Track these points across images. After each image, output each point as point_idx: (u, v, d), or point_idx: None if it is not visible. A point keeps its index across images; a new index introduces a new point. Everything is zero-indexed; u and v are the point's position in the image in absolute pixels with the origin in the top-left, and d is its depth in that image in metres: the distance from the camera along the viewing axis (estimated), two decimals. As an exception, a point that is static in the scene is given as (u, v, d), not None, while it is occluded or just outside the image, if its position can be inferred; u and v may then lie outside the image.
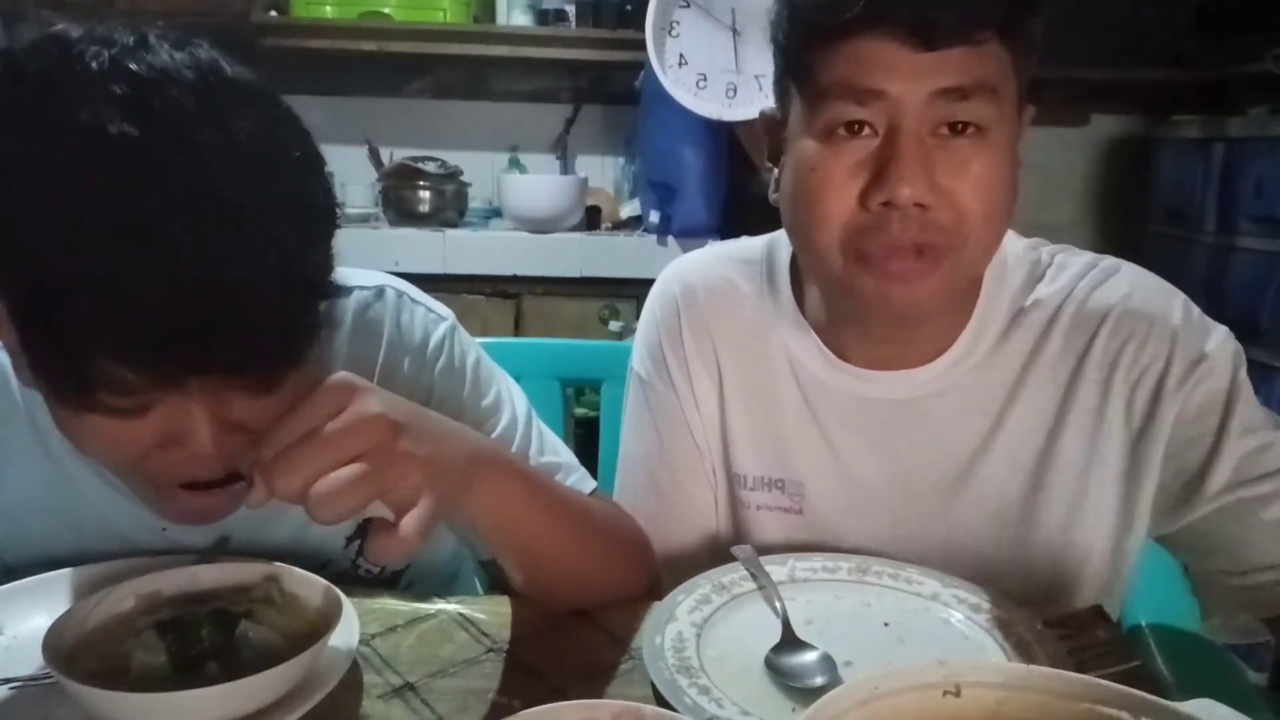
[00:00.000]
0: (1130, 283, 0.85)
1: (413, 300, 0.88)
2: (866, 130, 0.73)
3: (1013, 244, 0.88)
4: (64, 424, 0.64)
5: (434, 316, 0.88)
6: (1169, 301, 0.84)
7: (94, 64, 0.56)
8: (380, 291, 0.86)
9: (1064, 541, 0.86)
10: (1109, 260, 0.88)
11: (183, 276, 0.55)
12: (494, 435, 0.86)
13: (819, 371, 0.89)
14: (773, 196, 0.85)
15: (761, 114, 0.87)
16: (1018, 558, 0.86)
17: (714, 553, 0.89)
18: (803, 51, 0.75)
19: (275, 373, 0.62)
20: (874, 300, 0.78)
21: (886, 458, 0.88)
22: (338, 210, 0.66)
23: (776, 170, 0.84)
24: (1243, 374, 0.82)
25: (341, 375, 0.62)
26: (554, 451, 0.91)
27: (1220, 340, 0.82)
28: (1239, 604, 0.85)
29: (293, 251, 0.60)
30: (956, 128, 0.73)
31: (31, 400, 0.77)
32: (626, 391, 1.01)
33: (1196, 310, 0.84)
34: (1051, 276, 0.87)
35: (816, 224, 0.77)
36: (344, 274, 0.79)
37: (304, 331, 0.63)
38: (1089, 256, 0.89)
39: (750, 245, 0.98)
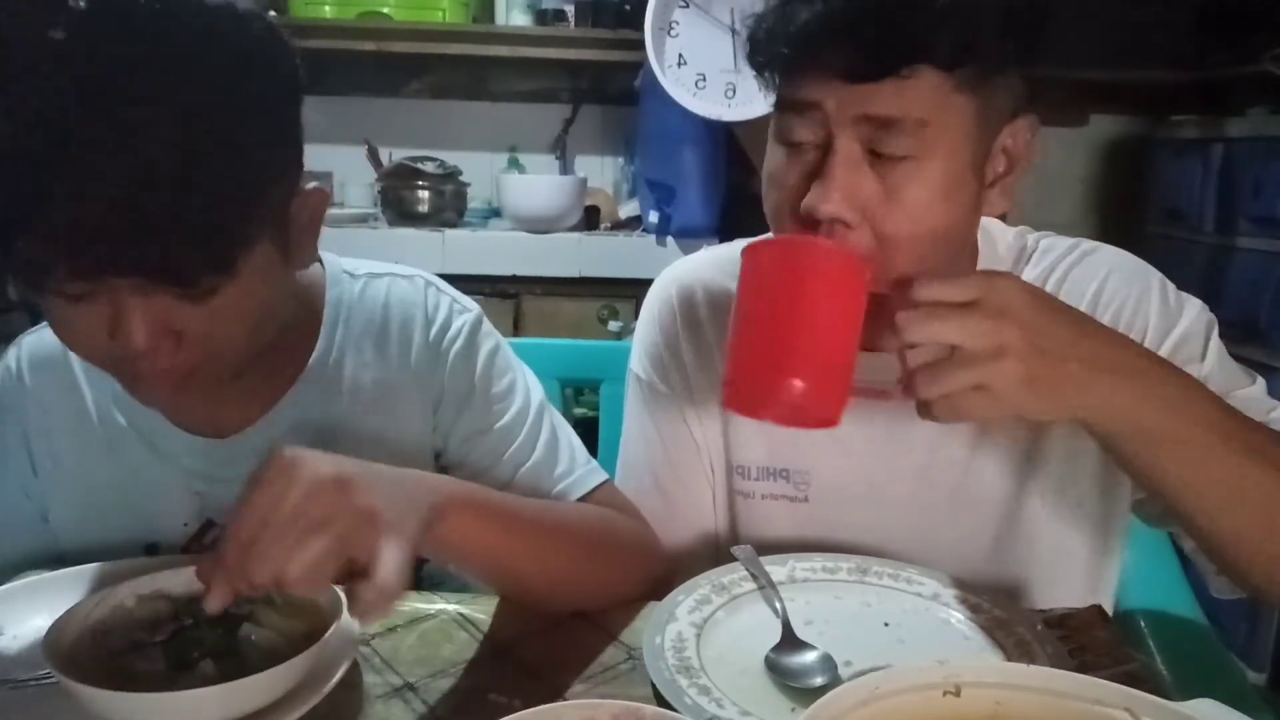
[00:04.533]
0: (1108, 263, 0.88)
1: (440, 290, 0.93)
2: (808, 145, 0.75)
3: (1002, 233, 0.92)
4: (48, 318, 0.71)
5: (460, 306, 0.93)
6: (1146, 280, 0.87)
7: None
8: (413, 280, 0.93)
9: (1051, 531, 0.88)
10: (1088, 243, 0.91)
11: (95, 184, 0.60)
12: (500, 425, 0.88)
13: None
14: None
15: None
16: (1017, 538, 0.89)
17: (717, 549, 0.91)
18: (763, 68, 0.79)
19: (191, 280, 0.65)
20: None
21: (890, 439, 0.89)
22: (284, 137, 0.72)
23: None
24: (1214, 341, 0.84)
25: (280, 451, 0.62)
26: (559, 447, 0.90)
27: (1195, 314, 0.85)
28: None
29: (209, 168, 0.63)
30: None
31: (88, 376, 0.86)
32: (626, 393, 1.01)
33: (1171, 287, 0.87)
34: (1036, 260, 0.90)
35: (777, 231, 0.79)
36: (388, 267, 0.93)
37: (222, 244, 0.66)
38: (1070, 240, 0.92)
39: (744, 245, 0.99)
